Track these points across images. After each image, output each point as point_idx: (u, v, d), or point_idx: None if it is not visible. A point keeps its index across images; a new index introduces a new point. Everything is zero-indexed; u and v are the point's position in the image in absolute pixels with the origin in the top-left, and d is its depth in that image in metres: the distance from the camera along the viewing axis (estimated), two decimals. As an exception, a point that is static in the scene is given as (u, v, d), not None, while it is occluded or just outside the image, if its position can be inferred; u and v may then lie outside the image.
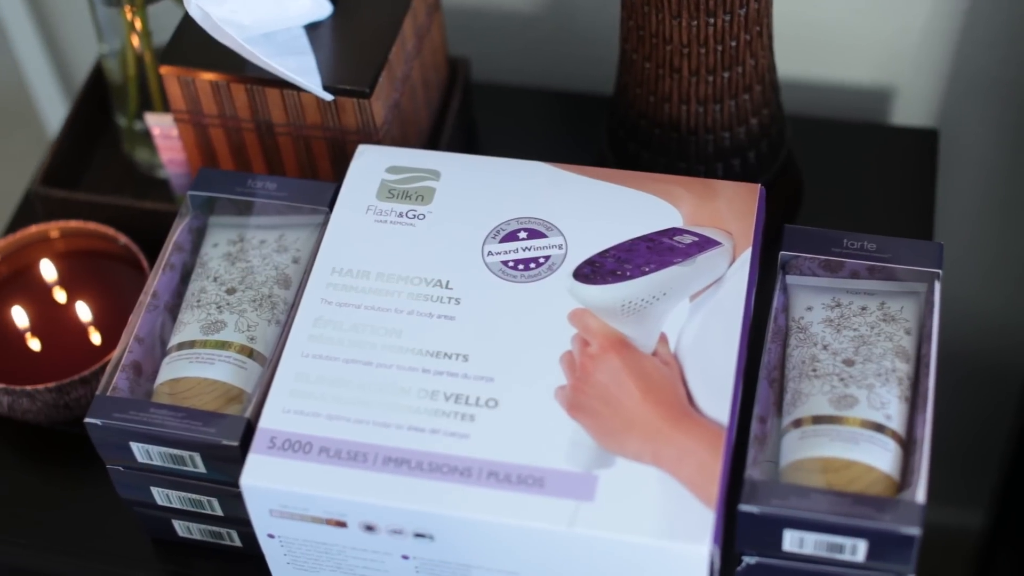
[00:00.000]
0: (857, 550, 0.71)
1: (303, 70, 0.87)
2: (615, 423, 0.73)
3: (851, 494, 0.70)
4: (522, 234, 0.81)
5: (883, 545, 0.70)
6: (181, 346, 0.81)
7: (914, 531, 0.69)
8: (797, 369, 0.77)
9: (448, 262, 0.80)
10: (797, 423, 0.75)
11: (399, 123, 0.93)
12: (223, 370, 0.80)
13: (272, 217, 0.86)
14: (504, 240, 0.80)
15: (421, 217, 0.82)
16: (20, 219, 1.05)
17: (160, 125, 0.97)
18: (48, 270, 0.97)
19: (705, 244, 0.79)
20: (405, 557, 0.75)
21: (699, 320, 0.76)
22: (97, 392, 0.79)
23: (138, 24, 0.96)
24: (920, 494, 0.70)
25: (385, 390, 0.75)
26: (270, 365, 0.79)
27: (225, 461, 0.77)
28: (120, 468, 0.81)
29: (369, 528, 0.73)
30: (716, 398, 0.73)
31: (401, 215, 0.82)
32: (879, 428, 0.74)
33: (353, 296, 0.79)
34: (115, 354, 0.81)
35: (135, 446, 0.78)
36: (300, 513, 0.74)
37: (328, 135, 0.90)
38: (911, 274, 0.79)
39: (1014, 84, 1.08)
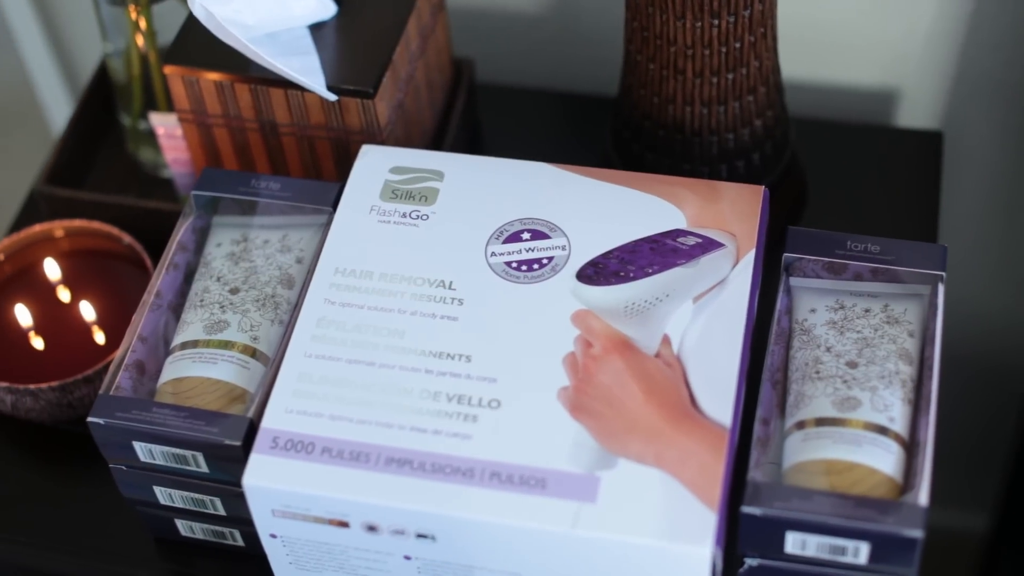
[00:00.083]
0: (859, 552, 0.71)
1: (307, 70, 0.87)
2: (617, 424, 0.73)
3: (854, 496, 0.70)
4: (525, 235, 0.81)
5: (886, 548, 0.70)
6: (184, 345, 0.81)
7: (917, 533, 0.69)
8: (800, 371, 0.77)
9: (451, 263, 0.80)
10: (800, 425, 0.75)
11: (403, 123, 0.93)
12: (226, 370, 0.80)
13: (276, 217, 0.86)
14: (507, 241, 0.80)
15: (424, 218, 0.82)
16: (24, 218, 1.05)
17: (164, 125, 0.97)
18: (52, 269, 0.97)
19: (708, 246, 0.79)
20: (407, 558, 0.75)
21: (702, 322, 0.76)
22: (100, 391, 0.79)
23: (143, 23, 0.96)
24: (923, 496, 0.70)
25: (388, 390, 0.75)
26: (273, 365, 0.79)
27: (228, 461, 0.77)
28: (123, 467, 0.81)
29: (371, 528, 0.73)
30: (719, 400, 0.73)
31: (404, 215, 0.82)
32: (882, 430, 0.74)
33: (356, 296, 0.79)
34: (118, 353, 0.81)
35: (138, 445, 0.78)
36: (302, 513, 0.74)
37: (332, 135, 0.90)
38: (915, 276, 0.79)
39: (1018, 86, 1.08)
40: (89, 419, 0.77)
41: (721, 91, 0.88)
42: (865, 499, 0.70)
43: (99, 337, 0.94)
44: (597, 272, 0.78)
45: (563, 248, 0.80)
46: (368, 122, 0.88)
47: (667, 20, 0.85)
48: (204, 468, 0.78)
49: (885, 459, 0.73)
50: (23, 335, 0.94)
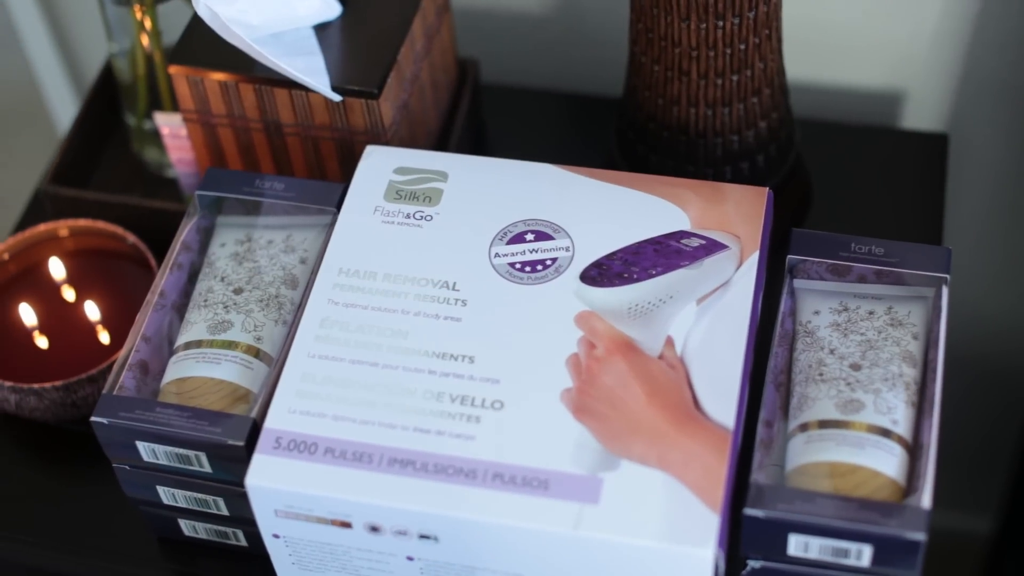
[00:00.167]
0: (862, 555, 0.71)
1: (312, 70, 0.87)
2: (621, 426, 0.73)
3: (856, 499, 0.70)
4: (529, 236, 0.81)
5: (888, 550, 0.70)
6: (188, 345, 0.81)
7: (919, 536, 0.69)
8: (804, 373, 0.77)
9: (455, 264, 0.80)
10: (803, 427, 0.75)
11: (407, 124, 0.93)
12: (229, 370, 0.80)
13: (280, 217, 0.86)
14: (511, 242, 0.80)
15: (428, 218, 0.82)
16: (29, 217, 1.06)
17: (169, 124, 0.97)
18: (57, 269, 0.97)
19: (712, 247, 0.79)
20: (410, 558, 0.75)
21: (706, 323, 0.76)
22: (103, 391, 0.79)
23: (148, 23, 0.96)
24: (926, 499, 0.70)
25: (391, 391, 0.75)
26: (276, 365, 0.79)
27: (231, 461, 0.77)
28: (126, 467, 0.81)
29: (374, 529, 0.73)
30: (722, 402, 0.73)
31: (408, 216, 0.82)
32: (885, 433, 0.73)
33: (360, 297, 0.79)
34: (122, 353, 0.81)
35: (141, 445, 0.78)
36: (305, 513, 0.74)
37: (336, 135, 0.90)
38: (919, 279, 0.79)
39: (1024, 88, 1.08)
40: (92, 419, 0.78)
41: (726, 93, 0.88)
42: (868, 502, 0.70)
43: (103, 337, 0.94)
44: (601, 273, 0.78)
45: (567, 249, 0.80)
46: (372, 122, 0.88)
47: (672, 21, 0.85)
48: (207, 468, 0.78)
49: (888, 462, 0.73)
50: (27, 334, 0.94)
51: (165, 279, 0.84)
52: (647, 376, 0.74)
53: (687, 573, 0.70)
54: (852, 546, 0.70)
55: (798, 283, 0.81)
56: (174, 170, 1.03)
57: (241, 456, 0.76)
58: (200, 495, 0.81)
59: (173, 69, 0.90)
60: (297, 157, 0.92)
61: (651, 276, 0.78)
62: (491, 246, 0.80)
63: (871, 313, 0.79)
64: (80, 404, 0.89)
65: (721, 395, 0.73)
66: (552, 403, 0.74)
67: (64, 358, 0.93)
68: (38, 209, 1.06)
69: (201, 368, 0.80)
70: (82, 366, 0.90)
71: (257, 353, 0.81)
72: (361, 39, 0.90)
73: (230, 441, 0.76)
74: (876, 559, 0.71)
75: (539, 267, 0.79)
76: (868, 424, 0.74)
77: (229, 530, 0.83)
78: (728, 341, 0.75)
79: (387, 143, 0.89)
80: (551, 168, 0.84)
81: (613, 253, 0.79)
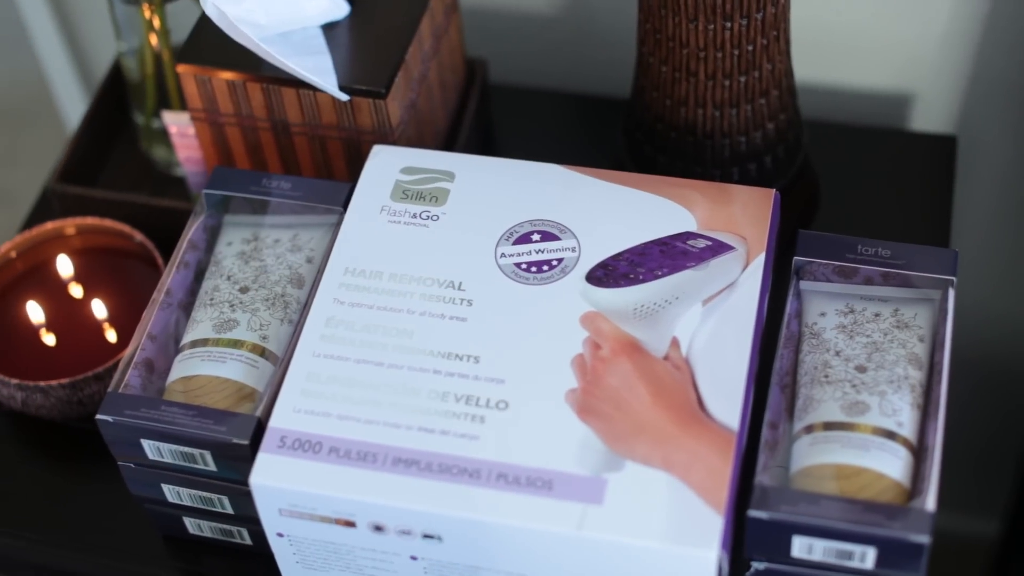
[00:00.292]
0: (866, 557, 0.70)
1: (319, 70, 0.87)
2: (625, 427, 0.73)
3: (861, 501, 0.70)
4: (535, 236, 0.81)
5: (892, 553, 0.70)
6: (194, 344, 0.81)
7: (924, 539, 0.69)
8: (809, 375, 0.77)
9: (461, 263, 0.80)
10: (808, 429, 0.75)
11: (415, 124, 0.93)
12: (235, 369, 0.80)
13: (286, 216, 0.86)
14: (517, 242, 0.80)
15: (435, 218, 0.82)
16: (37, 215, 1.06)
17: (177, 123, 0.98)
18: (64, 266, 0.97)
19: (719, 248, 0.79)
20: (414, 558, 0.75)
21: (711, 324, 0.76)
22: (109, 389, 0.79)
23: (156, 22, 0.97)
24: (930, 502, 0.70)
25: (396, 391, 0.75)
26: (282, 364, 0.79)
27: (235, 460, 0.77)
28: (131, 465, 0.81)
29: (378, 528, 0.73)
30: (727, 403, 0.73)
31: (415, 216, 0.82)
32: (890, 435, 0.73)
33: (365, 296, 0.79)
34: (128, 351, 0.81)
35: (146, 443, 0.78)
36: (309, 512, 0.74)
37: (344, 135, 0.90)
38: (925, 281, 0.79)
39: (1033, 91, 1.08)
40: (98, 417, 0.78)
41: (733, 94, 0.88)
42: (872, 504, 0.70)
43: (110, 335, 0.94)
44: (607, 274, 0.78)
45: (573, 250, 0.80)
46: (380, 122, 0.88)
47: (679, 22, 0.85)
48: (212, 467, 0.78)
49: (893, 464, 0.72)
50: (35, 332, 0.94)
51: (171, 277, 0.84)
52: (652, 377, 0.74)
53: (691, 574, 0.70)
54: (856, 548, 0.70)
55: (804, 285, 0.81)
56: (182, 169, 1.03)
57: (246, 455, 0.76)
58: (205, 493, 0.81)
59: (181, 68, 0.90)
60: (304, 156, 0.93)
61: (657, 277, 0.78)
62: (497, 246, 0.80)
63: (877, 315, 0.79)
64: (86, 402, 0.89)
65: (726, 396, 0.73)
66: (557, 403, 0.74)
67: (71, 356, 0.93)
68: (46, 207, 1.06)
69: (207, 367, 0.80)
70: (89, 364, 0.90)
71: (263, 352, 0.81)
72: (369, 39, 0.90)
73: (235, 440, 0.76)
74: (880, 561, 0.70)
75: (545, 267, 0.79)
76: (873, 426, 0.74)
77: (234, 528, 0.83)
78: (733, 342, 0.75)
79: (394, 143, 0.89)
80: (557, 168, 0.84)
81: (619, 254, 0.79)
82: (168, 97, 1.01)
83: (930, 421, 0.74)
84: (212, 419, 0.76)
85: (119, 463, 0.81)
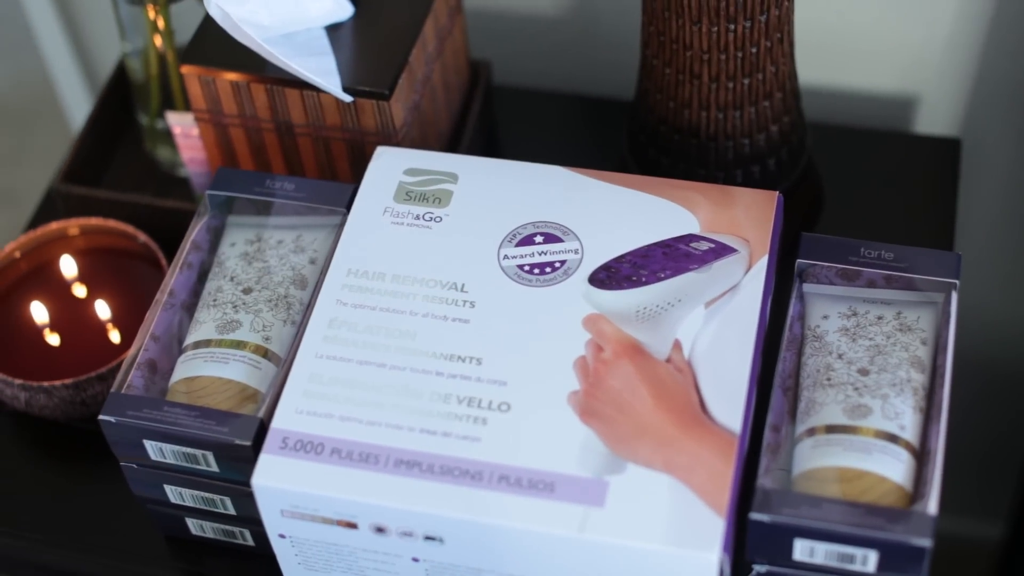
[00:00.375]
0: (868, 561, 0.70)
1: (323, 71, 0.87)
2: (627, 429, 0.73)
3: (863, 504, 0.70)
4: (538, 238, 0.81)
5: (894, 556, 0.70)
6: (197, 345, 0.81)
7: (925, 543, 0.69)
8: (812, 378, 0.77)
9: (464, 265, 0.80)
10: (810, 432, 0.75)
11: (419, 125, 0.93)
12: (238, 370, 0.80)
13: (290, 217, 0.87)
14: (520, 244, 0.80)
15: (438, 220, 0.82)
16: (42, 216, 1.06)
17: (181, 124, 0.98)
18: (68, 267, 0.97)
19: (721, 251, 0.79)
20: (415, 559, 0.75)
21: (714, 327, 0.76)
22: (112, 390, 0.79)
23: (160, 23, 0.97)
24: (932, 505, 0.70)
25: (398, 392, 0.75)
26: (284, 365, 0.79)
27: (238, 460, 0.77)
28: (134, 466, 0.81)
29: (379, 530, 0.73)
30: (729, 406, 0.73)
31: (418, 217, 0.82)
32: (893, 438, 0.73)
33: (368, 298, 0.79)
34: (131, 352, 0.81)
35: (149, 444, 0.78)
36: (311, 514, 0.74)
37: (347, 136, 0.90)
38: (928, 284, 0.79)
39: (1038, 94, 1.08)
40: (100, 417, 0.78)
41: (737, 96, 0.88)
42: (874, 507, 0.70)
43: (114, 335, 0.94)
44: (609, 276, 0.78)
45: (576, 252, 0.80)
46: (383, 123, 0.88)
47: (683, 25, 0.85)
48: (214, 467, 0.78)
49: (895, 467, 0.72)
50: (38, 332, 0.95)
51: (175, 278, 0.84)
52: (654, 379, 0.74)
53: (692, 577, 0.70)
54: (858, 551, 0.70)
55: (807, 287, 0.81)
56: (186, 169, 1.03)
57: (248, 456, 0.76)
58: (207, 494, 0.81)
59: (185, 69, 0.90)
60: (308, 157, 0.93)
61: (660, 279, 0.78)
62: (500, 248, 0.80)
63: (880, 318, 0.79)
64: (89, 402, 0.89)
65: (728, 399, 0.73)
66: (559, 405, 0.74)
67: (74, 356, 0.93)
68: (51, 207, 1.06)
69: (209, 368, 0.80)
70: (92, 364, 0.90)
71: (265, 353, 0.81)
72: (373, 40, 0.90)
73: (237, 441, 0.76)
74: (882, 565, 0.70)
75: (548, 269, 0.79)
76: (875, 429, 0.74)
77: (236, 529, 0.83)
78: (736, 345, 0.75)
79: (398, 144, 0.89)
80: (560, 170, 0.84)
81: (622, 256, 0.79)
82: (172, 98, 1.01)
83: (932, 424, 0.74)
84: (214, 420, 0.76)
85: (121, 464, 0.81)
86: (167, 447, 0.78)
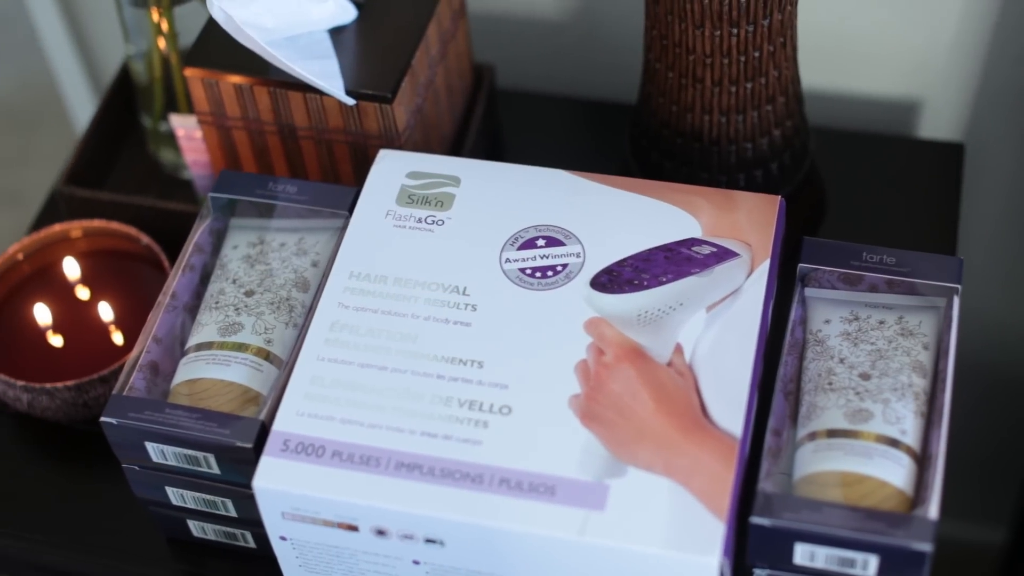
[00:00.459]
0: (868, 565, 0.70)
1: (326, 74, 0.87)
2: (628, 433, 0.73)
3: (864, 509, 0.70)
4: (540, 242, 0.81)
5: (895, 561, 0.70)
6: (199, 347, 0.82)
7: (926, 547, 0.69)
8: (813, 382, 0.77)
9: (465, 268, 0.80)
10: (812, 436, 0.75)
11: (421, 128, 0.93)
12: (239, 372, 0.80)
13: (292, 220, 0.87)
14: (522, 247, 0.80)
15: (440, 223, 0.82)
16: (45, 218, 1.06)
17: (184, 126, 0.98)
18: (71, 269, 0.97)
19: (723, 255, 0.79)
20: (416, 562, 0.75)
21: (715, 331, 0.76)
22: (113, 391, 0.79)
23: (164, 26, 0.97)
24: (933, 510, 0.70)
25: (399, 395, 0.75)
26: (286, 368, 0.79)
27: (239, 463, 0.77)
28: (135, 467, 0.81)
29: (380, 533, 0.73)
30: (730, 410, 0.73)
31: (420, 220, 0.82)
32: (894, 443, 0.73)
33: (370, 300, 0.79)
34: (133, 354, 0.81)
35: (150, 446, 0.78)
36: (312, 516, 0.74)
37: (350, 139, 0.90)
38: (930, 288, 0.79)
39: (1041, 99, 1.08)
40: (102, 419, 0.78)
41: (740, 100, 0.88)
42: (875, 512, 0.70)
43: (116, 337, 0.94)
44: (611, 280, 0.78)
45: (577, 255, 0.80)
46: (386, 127, 0.89)
47: (686, 28, 0.85)
48: (216, 469, 0.78)
49: (896, 472, 0.72)
50: (41, 334, 0.95)
51: (177, 280, 0.85)
52: (655, 383, 0.74)
53: (692, 581, 0.70)
54: (858, 556, 0.70)
55: (809, 292, 0.81)
56: (189, 172, 1.03)
57: (249, 458, 0.76)
58: (208, 496, 0.81)
59: (189, 71, 0.90)
60: (311, 160, 0.93)
61: (661, 283, 0.78)
62: (502, 251, 0.80)
63: (882, 323, 0.79)
64: (91, 404, 0.90)
65: (729, 403, 0.73)
66: (560, 409, 0.74)
67: (77, 358, 0.93)
68: (54, 209, 1.07)
69: (211, 370, 0.80)
70: (95, 366, 0.90)
71: (267, 356, 0.81)
72: (376, 43, 0.90)
73: (238, 443, 0.76)
74: (883, 569, 0.70)
75: (549, 273, 0.79)
76: (877, 434, 0.74)
77: (237, 531, 0.83)
78: (737, 349, 0.75)
79: (400, 147, 0.90)
80: (563, 174, 0.84)
81: (624, 260, 0.79)
82: (176, 100, 1.01)
83: (934, 429, 0.74)
84: (216, 422, 0.77)
85: (123, 465, 0.81)
86: (169, 449, 0.78)
